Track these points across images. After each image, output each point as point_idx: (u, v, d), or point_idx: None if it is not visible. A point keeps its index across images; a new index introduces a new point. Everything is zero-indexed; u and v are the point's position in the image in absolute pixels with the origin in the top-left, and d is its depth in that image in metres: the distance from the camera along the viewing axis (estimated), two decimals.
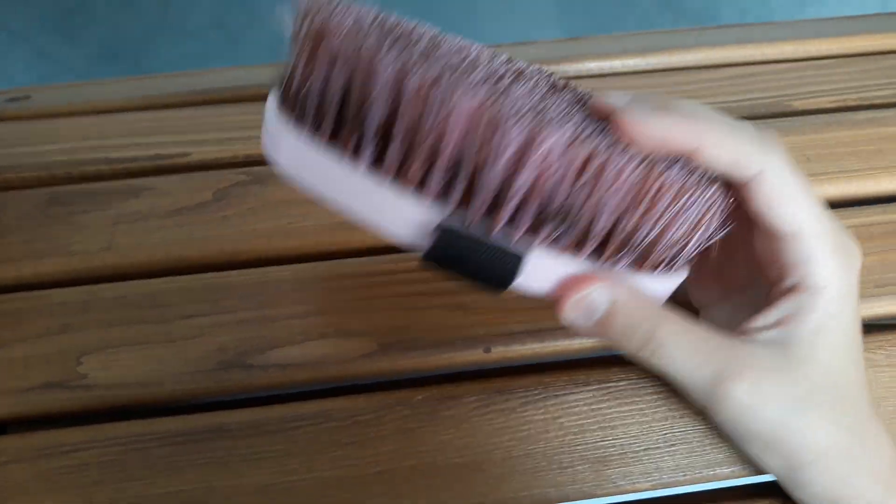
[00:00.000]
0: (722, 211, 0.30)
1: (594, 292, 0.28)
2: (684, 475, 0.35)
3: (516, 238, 0.27)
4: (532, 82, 0.32)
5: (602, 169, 0.26)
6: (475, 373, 0.38)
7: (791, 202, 0.29)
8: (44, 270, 0.41)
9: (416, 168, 0.27)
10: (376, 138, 0.27)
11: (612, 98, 0.29)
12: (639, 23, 1.62)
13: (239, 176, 0.44)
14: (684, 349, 0.29)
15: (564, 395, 0.37)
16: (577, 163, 0.26)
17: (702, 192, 0.28)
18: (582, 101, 0.33)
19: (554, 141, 0.25)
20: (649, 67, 0.53)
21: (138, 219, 0.42)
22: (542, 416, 0.36)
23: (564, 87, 0.34)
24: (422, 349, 0.37)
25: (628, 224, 0.28)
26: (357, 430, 0.36)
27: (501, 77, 0.31)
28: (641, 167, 0.26)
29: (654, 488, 0.35)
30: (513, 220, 0.27)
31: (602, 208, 0.27)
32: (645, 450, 0.36)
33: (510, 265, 0.27)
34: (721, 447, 0.35)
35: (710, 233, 0.30)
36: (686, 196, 0.27)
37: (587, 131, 0.27)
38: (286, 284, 0.39)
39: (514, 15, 1.62)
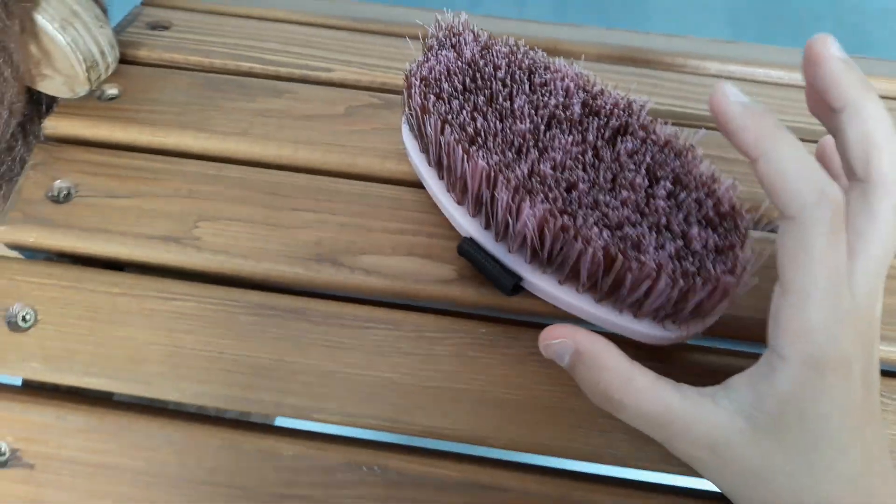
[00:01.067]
0: (717, 286, 0.31)
1: (556, 345, 0.33)
2: None
3: (522, 263, 0.36)
4: (593, 129, 0.36)
5: (575, 237, 0.32)
6: (538, 323, 0.40)
7: (799, 262, 0.27)
8: (185, 142, 0.45)
9: (457, 193, 0.38)
10: (436, 166, 0.40)
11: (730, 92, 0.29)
12: None
13: (372, 98, 0.47)
14: (642, 413, 0.31)
15: None
16: (553, 228, 0.32)
17: (683, 276, 0.31)
18: (648, 147, 0.36)
19: (530, 209, 0.32)
20: (792, 82, 0.52)
21: (276, 115, 0.46)
22: None
23: (634, 129, 0.37)
24: (495, 290, 0.39)
25: (606, 281, 0.33)
26: (420, 345, 0.39)
27: (557, 121, 0.37)
28: (615, 241, 0.32)
29: (688, 474, 0.36)
30: (521, 248, 0.36)
31: (580, 266, 0.33)
32: None
33: (511, 280, 0.36)
34: None
35: (707, 303, 0.32)
36: (659, 276, 0.31)
37: (590, 198, 0.33)
38: (388, 202, 0.42)
39: (683, 23, 1.59)
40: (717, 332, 0.38)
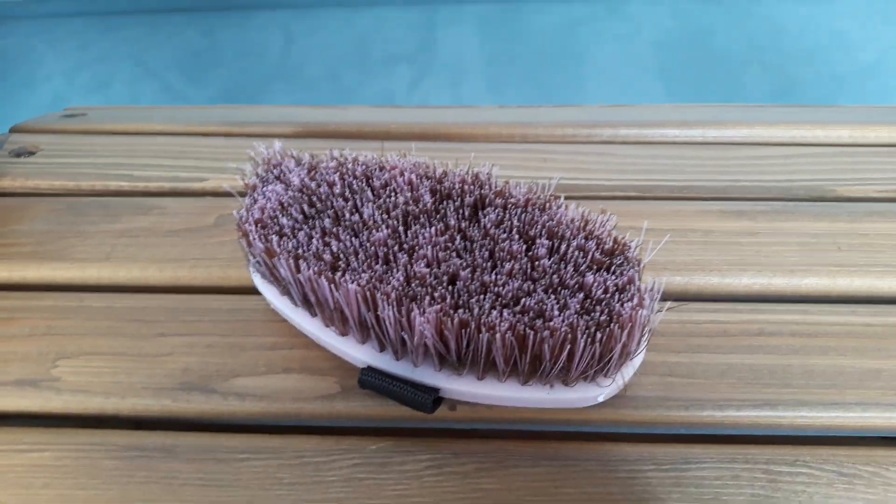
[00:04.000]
0: (630, 335, 0.30)
1: None
2: None
3: (433, 373, 0.33)
4: (451, 212, 0.34)
5: (478, 329, 0.30)
6: (435, 430, 0.36)
7: None
8: (45, 274, 0.42)
9: (337, 325, 0.35)
10: (303, 305, 0.36)
11: None
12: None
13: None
14: None
15: (527, 467, 0.34)
16: (453, 327, 0.30)
17: (597, 328, 0.29)
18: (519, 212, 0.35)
19: (421, 316, 0.30)
20: (687, 139, 0.51)
21: (141, 234, 0.43)
22: (497, 486, 0.34)
23: (492, 202, 0.35)
24: (384, 398, 0.36)
25: (525, 361, 0.31)
26: (304, 472, 0.35)
27: (413, 217, 0.34)
28: (518, 319, 0.30)
29: None
30: (426, 358, 0.33)
31: (493, 355, 0.31)
32: None
33: (429, 396, 0.33)
34: None
35: (624, 354, 0.31)
36: (575, 337, 0.29)
37: (477, 283, 0.31)
38: (260, 314, 0.39)
39: (620, 89, 1.61)
40: (620, 419, 0.35)
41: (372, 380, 0.34)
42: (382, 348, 0.34)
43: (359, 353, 0.35)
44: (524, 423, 0.36)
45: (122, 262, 0.42)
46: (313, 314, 0.36)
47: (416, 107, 0.60)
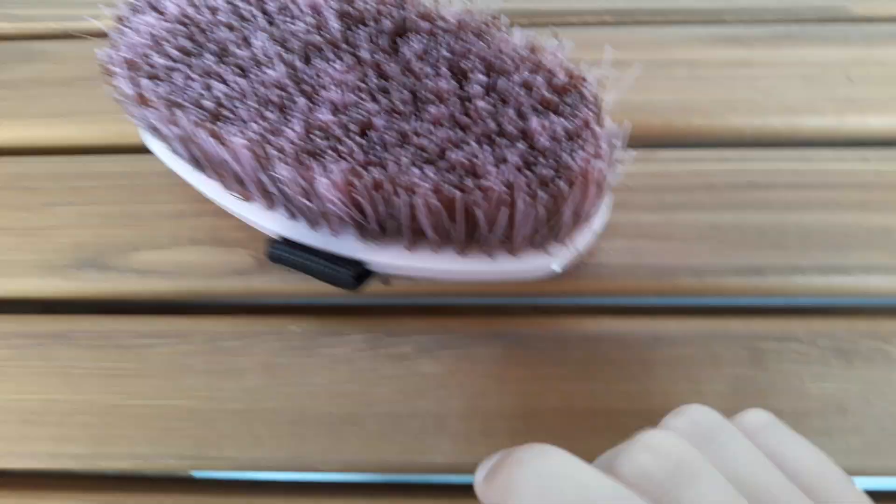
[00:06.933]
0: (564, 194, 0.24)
1: None
2: None
3: (354, 243, 0.28)
4: (364, 42, 0.28)
5: (394, 191, 0.24)
6: (367, 307, 0.32)
7: None
8: None
9: (237, 188, 0.29)
10: (193, 164, 0.30)
11: None
12: None
13: None
14: None
15: (474, 347, 0.30)
16: (364, 190, 0.24)
17: (541, 184, 0.24)
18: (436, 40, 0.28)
19: (324, 176, 0.24)
20: None
21: (24, 86, 0.37)
22: (438, 370, 0.30)
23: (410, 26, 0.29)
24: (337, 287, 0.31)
25: (457, 228, 0.26)
26: (216, 359, 0.30)
27: (317, 49, 0.28)
28: (444, 177, 0.24)
29: None
30: (344, 227, 0.28)
31: (418, 222, 0.26)
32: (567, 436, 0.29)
33: (349, 271, 0.28)
34: None
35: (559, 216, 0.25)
36: (513, 198, 0.24)
37: (394, 133, 0.25)
38: (162, 177, 0.33)
39: None
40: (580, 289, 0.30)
41: (282, 253, 0.28)
42: (293, 215, 0.29)
43: (268, 223, 0.29)
44: (470, 297, 0.31)
45: (1, 120, 0.36)
46: (210, 176, 0.30)
47: None
